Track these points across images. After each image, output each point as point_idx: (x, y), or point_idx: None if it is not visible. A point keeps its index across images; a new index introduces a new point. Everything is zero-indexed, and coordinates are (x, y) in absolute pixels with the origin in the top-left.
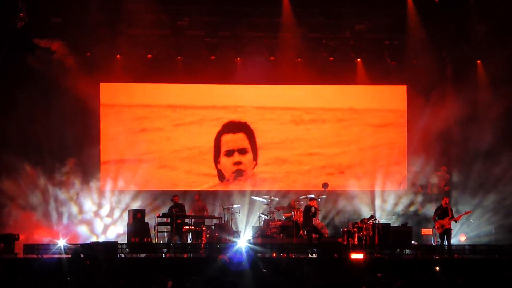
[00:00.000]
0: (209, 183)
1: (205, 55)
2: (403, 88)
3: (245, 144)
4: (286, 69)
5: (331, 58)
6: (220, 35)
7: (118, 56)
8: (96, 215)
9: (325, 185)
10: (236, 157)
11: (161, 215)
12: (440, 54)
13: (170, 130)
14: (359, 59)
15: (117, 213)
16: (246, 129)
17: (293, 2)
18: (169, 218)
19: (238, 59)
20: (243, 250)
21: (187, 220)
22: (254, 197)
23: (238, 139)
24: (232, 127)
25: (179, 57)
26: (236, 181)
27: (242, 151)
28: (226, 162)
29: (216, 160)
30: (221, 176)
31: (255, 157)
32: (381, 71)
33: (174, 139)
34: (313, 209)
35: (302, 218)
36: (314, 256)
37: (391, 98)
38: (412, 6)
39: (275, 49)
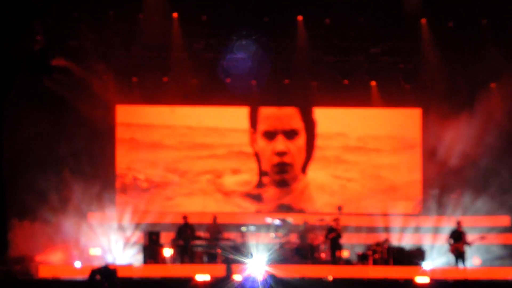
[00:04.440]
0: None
1: (221, 78)
2: (418, 111)
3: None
4: (300, 91)
5: (346, 81)
6: (235, 58)
7: (134, 78)
8: (112, 237)
9: (339, 208)
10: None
11: (176, 237)
12: (455, 77)
13: (187, 152)
14: (373, 82)
15: (132, 235)
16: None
17: (308, 24)
18: (183, 240)
19: (253, 81)
20: (259, 274)
21: (201, 242)
22: (268, 218)
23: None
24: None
25: (195, 80)
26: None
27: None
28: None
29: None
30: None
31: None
32: (396, 94)
33: (192, 163)
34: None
35: (316, 241)
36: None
37: (406, 121)
38: (426, 30)
39: (289, 72)
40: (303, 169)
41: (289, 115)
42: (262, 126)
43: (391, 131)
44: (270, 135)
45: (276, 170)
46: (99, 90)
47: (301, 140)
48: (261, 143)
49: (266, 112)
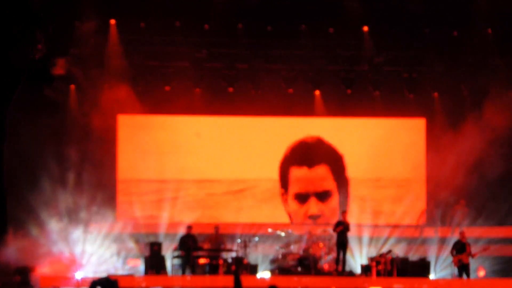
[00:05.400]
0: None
1: (223, 87)
2: (422, 121)
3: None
4: (304, 101)
5: (349, 91)
6: (238, 67)
7: (136, 88)
8: (113, 247)
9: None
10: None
11: (178, 248)
12: (459, 86)
13: (190, 163)
14: (377, 92)
15: (134, 245)
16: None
17: (311, 34)
18: (185, 251)
19: (256, 91)
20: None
21: (203, 253)
22: (271, 230)
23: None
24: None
25: (197, 89)
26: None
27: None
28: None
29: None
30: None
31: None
32: (400, 103)
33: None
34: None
35: (319, 252)
36: None
37: (410, 130)
38: (430, 39)
39: (293, 82)
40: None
41: (321, 176)
42: (293, 189)
43: (395, 141)
44: (302, 198)
45: None
46: (100, 99)
47: (334, 201)
48: (293, 205)
49: (297, 173)
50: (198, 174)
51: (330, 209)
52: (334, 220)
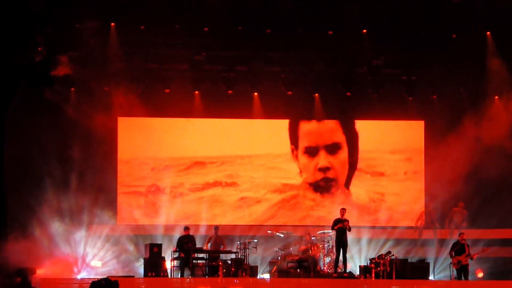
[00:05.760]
0: None
1: (223, 90)
2: (421, 124)
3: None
4: (303, 103)
5: (348, 93)
6: (237, 69)
7: (136, 90)
8: (113, 249)
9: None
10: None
11: (177, 249)
12: (458, 89)
13: (188, 167)
14: (376, 94)
15: (134, 247)
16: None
17: (310, 36)
18: (184, 252)
19: (255, 93)
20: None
21: (202, 255)
22: (270, 231)
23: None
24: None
25: (196, 92)
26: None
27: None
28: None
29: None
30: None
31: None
32: (399, 106)
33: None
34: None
35: (319, 253)
36: None
37: (409, 133)
38: (429, 42)
39: (292, 84)
40: (347, 184)
41: (330, 129)
42: (303, 143)
43: (393, 143)
44: (312, 151)
45: (320, 186)
46: (100, 102)
47: (343, 154)
48: (303, 159)
49: (307, 127)
50: (198, 173)
51: (340, 162)
52: (343, 172)
